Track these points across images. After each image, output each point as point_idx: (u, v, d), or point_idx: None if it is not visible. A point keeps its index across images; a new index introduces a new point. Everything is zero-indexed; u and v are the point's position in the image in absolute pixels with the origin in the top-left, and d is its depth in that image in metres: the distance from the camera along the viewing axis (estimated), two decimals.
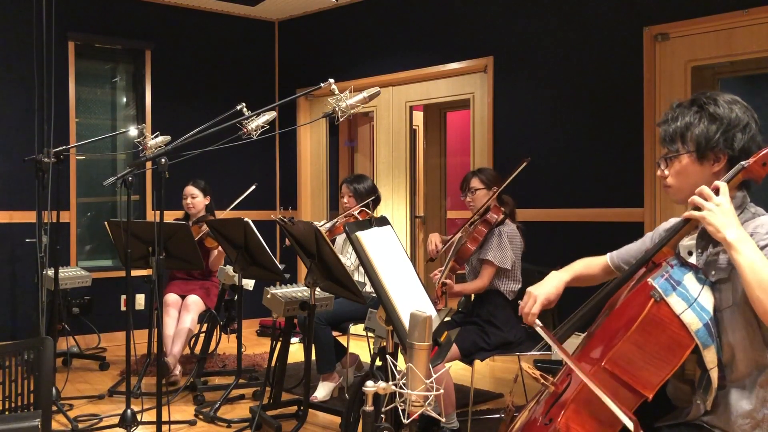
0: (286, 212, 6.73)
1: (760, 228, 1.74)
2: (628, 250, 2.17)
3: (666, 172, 1.90)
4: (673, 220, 1.99)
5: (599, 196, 4.73)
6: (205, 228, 4.85)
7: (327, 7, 6.39)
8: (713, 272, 1.76)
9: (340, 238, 4.55)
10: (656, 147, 4.38)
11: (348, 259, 4.36)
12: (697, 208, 1.72)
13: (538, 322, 1.95)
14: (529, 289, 2.04)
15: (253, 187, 5.01)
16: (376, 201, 4.55)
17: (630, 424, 1.62)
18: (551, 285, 2.05)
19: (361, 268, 4.28)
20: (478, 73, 5.45)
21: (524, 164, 3.57)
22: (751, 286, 1.61)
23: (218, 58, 6.58)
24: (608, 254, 2.21)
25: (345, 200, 4.50)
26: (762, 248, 1.68)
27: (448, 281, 3.53)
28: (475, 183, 3.75)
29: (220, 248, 4.82)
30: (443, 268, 3.58)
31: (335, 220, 4.40)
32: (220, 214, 5.06)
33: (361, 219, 4.34)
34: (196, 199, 5.08)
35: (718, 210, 1.68)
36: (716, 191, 1.71)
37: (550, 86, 5.00)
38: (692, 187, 1.77)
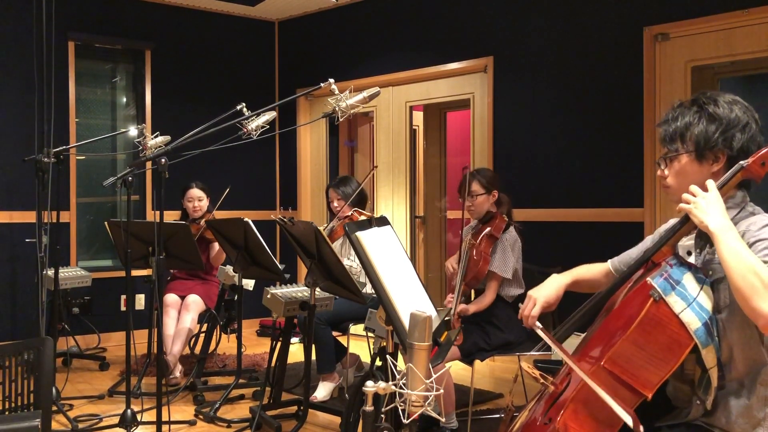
0: (286, 212, 6.73)
1: (752, 225, 1.74)
2: (629, 255, 2.17)
3: (666, 172, 1.90)
4: (672, 222, 1.99)
5: (599, 196, 4.73)
6: (203, 222, 4.86)
7: (327, 7, 6.39)
8: (711, 271, 1.76)
9: (338, 243, 4.52)
10: (656, 147, 4.38)
11: (353, 261, 4.31)
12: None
13: (538, 324, 1.95)
14: (530, 292, 2.05)
15: (228, 189, 4.92)
16: (363, 200, 4.56)
17: (629, 420, 1.63)
18: (551, 288, 2.06)
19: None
20: (478, 73, 5.45)
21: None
22: (730, 273, 1.62)
23: (218, 58, 6.58)
24: (609, 260, 2.21)
25: (335, 204, 4.49)
26: (752, 244, 1.69)
27: (462, 306, 3.50)
28: (476, 187, 3.69)
29: None
30: (455, 294, 3.50)
31: (331, 224, 4.39)
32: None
33: (354, 220, 4.35)
34: (202, 201, 5.06)
35: (703, 201, 1.71)
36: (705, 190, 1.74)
37: (550, 86, 5.00)
38: None
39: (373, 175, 6.13)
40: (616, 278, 1.97)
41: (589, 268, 2.21)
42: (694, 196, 1.73)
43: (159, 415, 3.17)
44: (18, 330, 5.51)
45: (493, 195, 3.70)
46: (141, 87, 6.21)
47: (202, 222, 4.89)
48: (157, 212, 3.12)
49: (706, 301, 1.70)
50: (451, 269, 3.75)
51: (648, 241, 2.12)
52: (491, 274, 3.61)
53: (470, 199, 3.71)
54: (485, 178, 3.72)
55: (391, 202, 6.03)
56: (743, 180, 1.80)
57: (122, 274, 3.86)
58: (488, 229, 3.64)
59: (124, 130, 6.14)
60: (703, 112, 1.84)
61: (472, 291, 3.81)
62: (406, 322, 1.83)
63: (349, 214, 4.38)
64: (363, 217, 4.40)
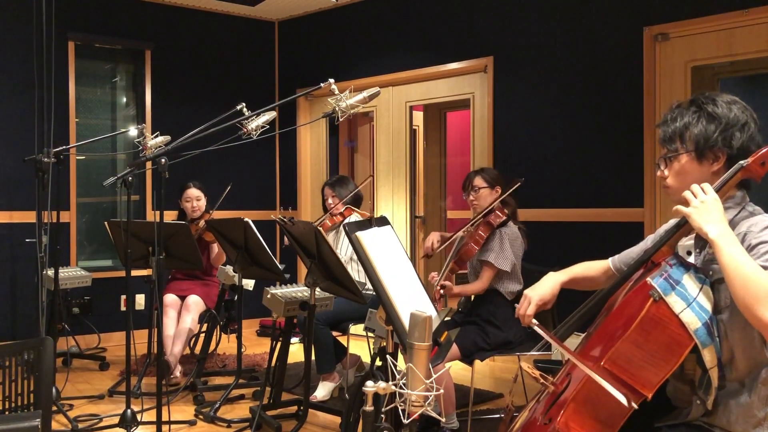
0: (286, 212, 6.73)
1: (754, 226, 1.74)
2: (629, 253, 2.17)
3: (665, 172, 1.90)
4: (672, 222, 1.99)
5: (599, 196, 4.73)
6: (202, 223, 4.86)
7: (327, 7, 6.39)
8: (711, 271, 1.76)
9: (330, 237, 4.56)
10: (656, 147, 4.38)
11: (338, 251, 4.36)
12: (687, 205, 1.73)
13: (534, 321, 1.96)
14: (525, 291, 2.06)
15: (230, 186, 4.93)
16: (358, 201, 4.65)
17: (623, 399, 1.63)
18: (546, 286, 2.07)
19: (354, 260, 4.31)
20: (478, 73, 5.45)
21: (518, 184, 3.64)
22: (731, 281, 1.62)
23: (218, 58, 6.58)
24: (610, 258, 2.21)
25: (329, 201, 4.56)
26: (755, 246, 1.69)
27: (447, 283, 3.53)
28: (479, 182, 3.75)
29: None
30: (442, 269, 3.58)
31: (322, 218, 4.48)
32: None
33: (345, 216, 4.43)
34: (200, 201, 5.06)
35: (702, 207, 1.70)
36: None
37: (550, 86, 5.00)
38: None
39: (373, 177, 6.13)
40: (616, 278, 1.97)
41: (587, 266, 2.21)
42: (694, 195, 1.73)
43: (159, 415, 3.17)
44: (18, 330, 5.51)
45: (496, 190, 3.72)
46: (141, 87, 6.21)
47: (201, 223, 4.89)
48: (157, 212, 3.12)
49: (705, 301, 1.70)
50: (429, 243, 3.74)
51: (649, 241, 2.12)
52: (485, 264, 3.62)
53: (474, 193, 3.73)
54: (488, 174, 3.78)
55: (391, 202, 6.03)
56: (743, 179, 1.80)
57: (122, 274, 3.85)
58: (487, 218, 3.66)
59: (124, 130, 6.14)
60: (702, 111, 1.84)
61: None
62: (406, 322, 1.83)
63: (342, 210, 4.46)
64: (356, 215, 4.46)
